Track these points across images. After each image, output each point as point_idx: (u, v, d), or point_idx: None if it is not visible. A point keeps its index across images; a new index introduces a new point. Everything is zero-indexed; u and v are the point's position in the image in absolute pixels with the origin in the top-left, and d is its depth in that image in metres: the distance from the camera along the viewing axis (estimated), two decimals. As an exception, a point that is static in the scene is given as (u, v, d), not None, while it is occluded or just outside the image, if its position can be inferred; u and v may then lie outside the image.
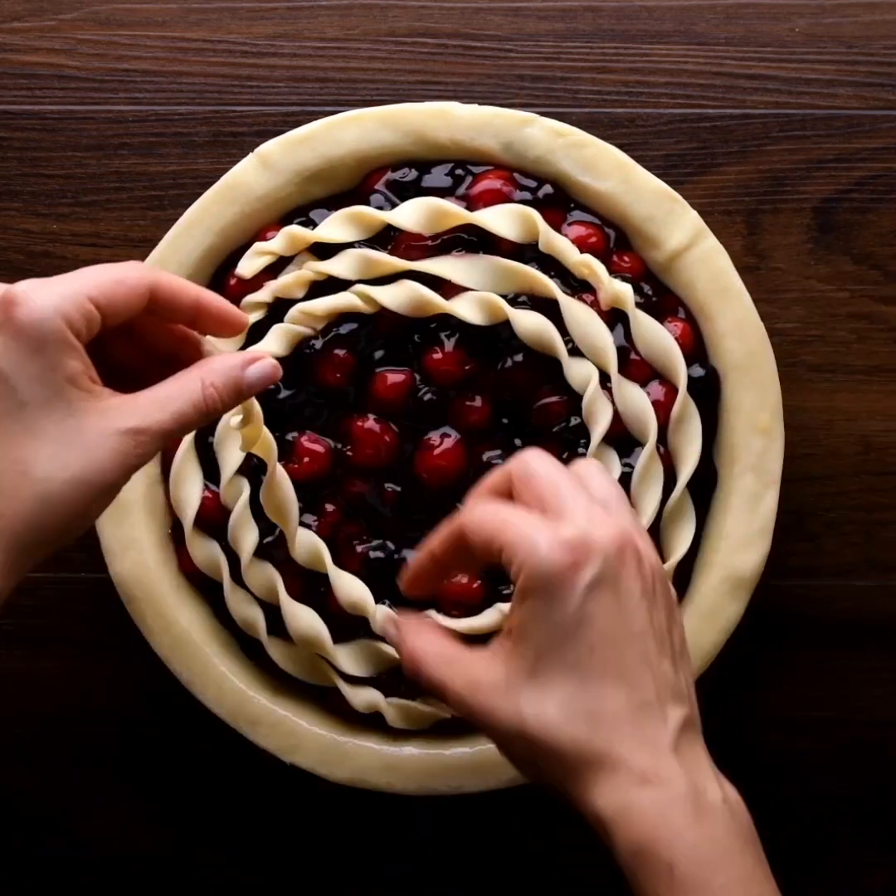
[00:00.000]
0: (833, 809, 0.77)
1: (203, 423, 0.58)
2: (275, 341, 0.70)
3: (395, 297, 0.70)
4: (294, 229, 0.70)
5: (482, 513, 0.58)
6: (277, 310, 0.71)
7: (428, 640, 0.60)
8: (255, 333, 0.71)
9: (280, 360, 0.70)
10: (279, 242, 0.71)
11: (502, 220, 0.70)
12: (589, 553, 0.56)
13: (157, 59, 0.75)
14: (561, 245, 0.70)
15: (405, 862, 0.77)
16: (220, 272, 0.72)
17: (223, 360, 0.59)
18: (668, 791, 0.54)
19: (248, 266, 0.71)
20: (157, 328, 0.61)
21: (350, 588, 0.70)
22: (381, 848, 0.77)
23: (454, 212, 0.70)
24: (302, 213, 0.72)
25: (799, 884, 0.77)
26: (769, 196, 0.75)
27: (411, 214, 0.70)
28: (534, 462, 0.59)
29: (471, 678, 0.57)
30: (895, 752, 0.76)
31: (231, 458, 0.70)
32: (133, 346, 0.61)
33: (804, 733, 0.76)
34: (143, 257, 0.72)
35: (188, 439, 0.71)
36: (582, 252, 0.70)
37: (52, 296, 0.55)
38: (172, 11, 0.75)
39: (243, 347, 0.70)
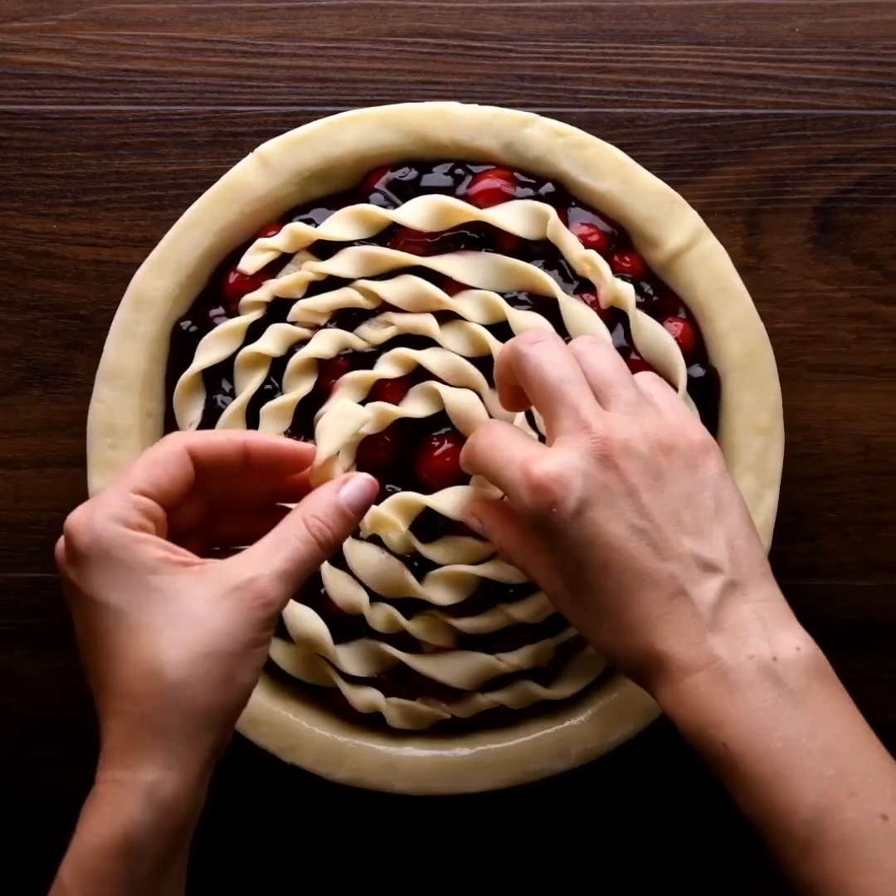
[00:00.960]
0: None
1: (326, 556, 0.59)
2: (271, 341, 0.70)
3: (396, 291, 0.70)
4: (297, 226, 0.70)
5: (485, 445, 0.62)
6: (276, 309, 0.71)
7: (510, 533, 0.63)
8: (254, 334, 0.71)
9: (274, 360, 0.71)
10: (282, 239, 0.71)
11: (514, 216, 0.70)
12: (565, 483, 0.57)
13: (157, 59, 0.75)
14: (566, 238, 0.70)
15: (405, 862, 0.77)
16: (218, 272, 0.72)
17: (317, 494, 0.60)
18: (708, 674, 0.56)
19: (251, 262, 0.71)
20: (253, 491, 0.62)
21: (344, 587, 0.70)
22: (381, 848, 0.77)
23: (462, 209, 0.70)
24: (302, 212, 0.72)
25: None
26: (769, 196, 0.75)
27: (417, 212, 0.70)
28: (529, 356, 0.60)
29: (545, 585, 0.61)
30: (894, 752, 0.76)
31: None
32: (242, 517, 0.63)
33: (804, 733, 0.76)
34: (143, 257, 0.72)
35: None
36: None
37: (100, 509, 0.56)
38: (172, 11, 0.75)
39: (241, 347, 0.71)
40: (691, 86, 0.75)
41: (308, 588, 0.71)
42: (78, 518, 0.56)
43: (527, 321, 0.69)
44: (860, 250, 0.75)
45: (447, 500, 0.69)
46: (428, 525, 0.70)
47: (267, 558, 0.57)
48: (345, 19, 0.75)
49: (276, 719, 0.71)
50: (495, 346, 0.69)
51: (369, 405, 0.69)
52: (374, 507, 0.68)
